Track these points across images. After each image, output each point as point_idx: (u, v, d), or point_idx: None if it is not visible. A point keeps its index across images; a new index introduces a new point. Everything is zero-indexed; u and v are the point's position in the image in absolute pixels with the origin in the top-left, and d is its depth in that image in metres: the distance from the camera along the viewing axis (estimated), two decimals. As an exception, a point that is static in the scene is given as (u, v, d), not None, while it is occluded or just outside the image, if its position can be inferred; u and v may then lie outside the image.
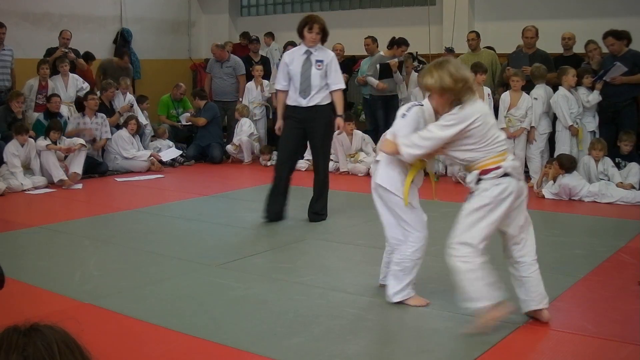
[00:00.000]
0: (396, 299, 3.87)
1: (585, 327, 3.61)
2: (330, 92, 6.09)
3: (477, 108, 3.48)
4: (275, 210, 6.17)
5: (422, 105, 3.74)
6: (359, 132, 9.09)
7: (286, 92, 6.16)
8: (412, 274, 3.86)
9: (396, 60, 9.20)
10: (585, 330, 3.57)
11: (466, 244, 3.43)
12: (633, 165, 7.29)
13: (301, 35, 6.08)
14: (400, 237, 3.84)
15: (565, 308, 3.90)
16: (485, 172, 3.44)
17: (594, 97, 7.75)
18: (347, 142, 8.94)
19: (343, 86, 6.25)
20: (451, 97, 3.47)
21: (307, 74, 6.00)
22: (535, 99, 7.84)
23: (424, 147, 3.51)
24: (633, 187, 7.09)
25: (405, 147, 3.55)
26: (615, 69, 7.61)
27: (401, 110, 3.83)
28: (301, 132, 6.14)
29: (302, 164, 9.25)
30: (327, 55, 6.09)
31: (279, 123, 6.30)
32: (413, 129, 3.63)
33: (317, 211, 6.24)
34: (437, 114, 3.67)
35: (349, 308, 3.86)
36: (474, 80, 3.77)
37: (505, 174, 3.42)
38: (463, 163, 3.57)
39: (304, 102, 6.03)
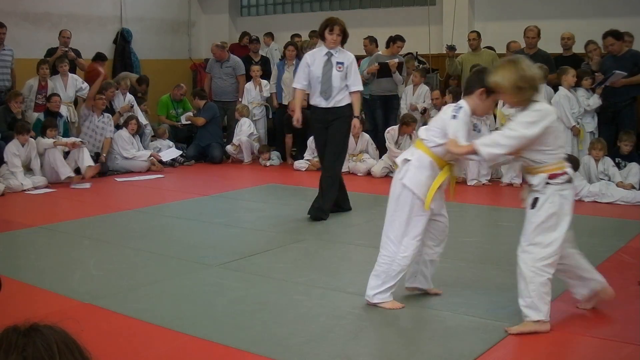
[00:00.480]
0: (376, 300, 3.83)
1: (585, 327, 3.61)
2: (350, 93, 6.22)
3: (551, 107, 3.56)
4: (338, 204, 6.45)
5: (462, 107, 3.67)
6: (366, 135, 9.08)
7: (304, 91, 6.34)
8: (395, 279, 3.81)
9: (395, 60, 9.18)
10: (585, 330, 3.57)
11: (543, 257, 3.46)
12: (633, 166, 7.29)
13: (322, 37, 6.21)
14: (393, 239, 3.77)
15: (565, 308, 3.90)
16: (553, 176, 3.49)
17: (594, 101, 7.76)
18: (352, 143, 8.93)
19: (362, 88, 6.43)
20: (521, 96, 3.47)
21: (328, 75, 6.11)
22: None
23: (508, 147, 3.46)
24: (633, 187, 7.09)
25: (486, 147, 3.48)
26: (615, 76, 7.61)
27: (447, 112, 3.71)
28: (326, 131, 6.29)
29: (302, 164, 9.26)
30: (348, 57, 6.22)
31: (297, 114, 6.43)
32: (467, 130, 3.62)
33: (320, 207, 6.25)
34: (475, 115, 3.70)
35: (349, 308, 3.86)
36: (543, 79, 3.70)
37: (569, 180, 3.51)
38: (532, 164, 3.54)
39: (324, 103, 6.17)
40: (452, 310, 3.82)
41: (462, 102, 3.73)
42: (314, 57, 6.23)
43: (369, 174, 8.78)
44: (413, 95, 9.33)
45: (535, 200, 3.51)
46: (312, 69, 6.18)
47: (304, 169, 9.21)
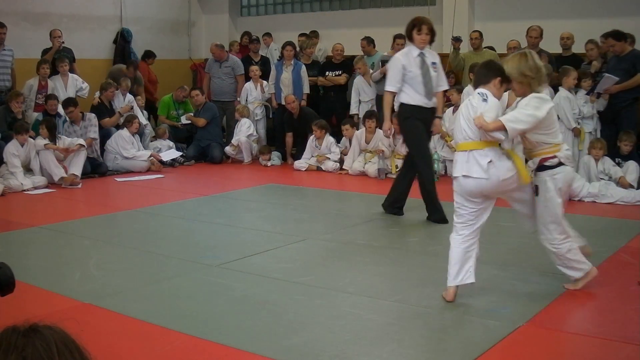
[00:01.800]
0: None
1: (585, 327, 3.61)
2: (435, 93, 6.17)
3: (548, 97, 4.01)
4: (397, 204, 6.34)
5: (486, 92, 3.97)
6: (381, 132, 8.98)
7: (395, 93, 6.15)
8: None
9: None
10: (585, 330, 3.57)
11: (555, 231, 4.01)
12: (630, 164, 7.28)
13: (410, 37, 6.09)
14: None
15: (565, 308, 3.90)
16: (543, 160, 3.98)
17: (588, 110, 7.72)
18: (363, 141, 8.96)
19: (448, 87, 6.43)
20: (527, 84, 3.91)
21: (428, 76, 6.05)
22: None
23: (527, 123, 3.83)
24: (631, 186, 7.09)
25: (510, 123, 3.81)
26: (605, 80, 7.56)
27: (475, 97, 3.95)
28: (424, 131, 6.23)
29: (303, 164, 9.26)
30: (437, 57, 6.19)
31: (387, 124, 6.27)
32: (496, 113, 3.89)
33: (439, 209, 6.11)
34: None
35: (349, 308, 3.86)
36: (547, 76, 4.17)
37: (560, 163, 3.95)
38: (530, 146, 3.98)
39: (430, 103, 6.12)
40: (451, 310, 3.82)
41: (484, 90, 3.96)
42: (408, 59, 6.06)
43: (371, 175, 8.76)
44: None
45: (536, 188, 4.01)
46: (409, 70, 6.03)
47: (304, 169, 9.21)
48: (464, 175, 3.92)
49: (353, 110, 9.61)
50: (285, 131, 9.84)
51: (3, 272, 1.97)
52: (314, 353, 3.26)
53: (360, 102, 9.59)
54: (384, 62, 9.32)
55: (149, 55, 11.42)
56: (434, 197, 6.06)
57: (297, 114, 9.61)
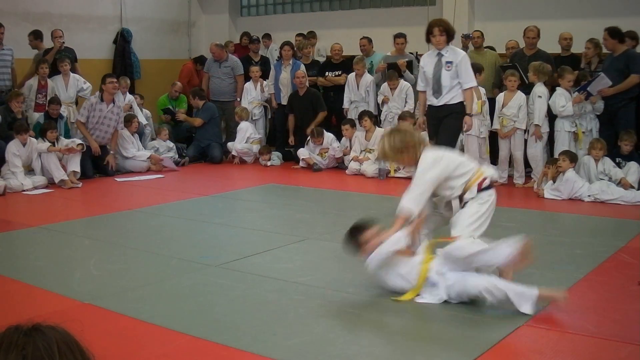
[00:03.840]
0: None
1: (585, 327, 3.61)
2: (463, 91, 6.29)
3: None
4: None
5: None
6: (381, 130, 8.99)
7: (425, 92, 6.52)
8: None
9: (404, 60, 9.28)
10: (585, 330, 3.57)
11: None
12: (632, 164, 7.28)
13: (428, 41, 6.36)
14: None
15: (566, 308, 3.90)
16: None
17: (568, 109, 7.59)
18: (363, 139, 8.97)
19: (474, 84, 6.48)
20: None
21: (437, 75, 6.26)
22: (540, 97, 7.76)
23: None
24: (632, 187, 7.09)
25: None
26: (599, 80, 7.52)
27: None
28: (437, 129, 6.43)
29: (305, 154, 9.26)
30: (457, 56, 6.29)
31: (421, 119, 6.69)
32: None
33: None
34: None
35: (349, 308, 3.87)
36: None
37: None
38: None
39: (435, 102, 6.35)
40: (452, 310, 3.83)
41: None
42: (427, 59, 6.42)
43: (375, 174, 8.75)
44: (393, 94, 9.35)
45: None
46: (425, 70, 6.35)
47: (305, 157, 9.21)
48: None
49: (344, 104, 9.65)
50: (286, 111, 9.86)
51: None
52: (314, 353, 3.26)
53: (351, 100, 9.62)
54: (390, 64, 9.35)
55: (200, 61, 11.43)
56: None
57: (304, 91, 9.61)
